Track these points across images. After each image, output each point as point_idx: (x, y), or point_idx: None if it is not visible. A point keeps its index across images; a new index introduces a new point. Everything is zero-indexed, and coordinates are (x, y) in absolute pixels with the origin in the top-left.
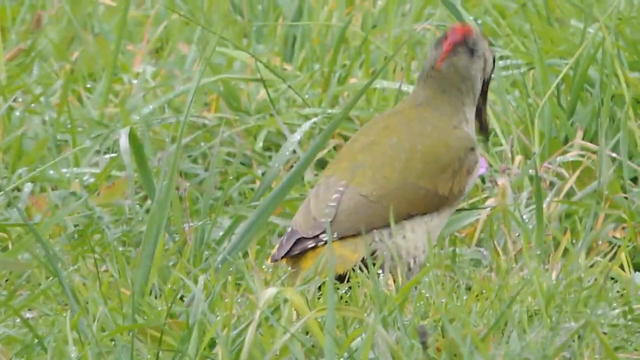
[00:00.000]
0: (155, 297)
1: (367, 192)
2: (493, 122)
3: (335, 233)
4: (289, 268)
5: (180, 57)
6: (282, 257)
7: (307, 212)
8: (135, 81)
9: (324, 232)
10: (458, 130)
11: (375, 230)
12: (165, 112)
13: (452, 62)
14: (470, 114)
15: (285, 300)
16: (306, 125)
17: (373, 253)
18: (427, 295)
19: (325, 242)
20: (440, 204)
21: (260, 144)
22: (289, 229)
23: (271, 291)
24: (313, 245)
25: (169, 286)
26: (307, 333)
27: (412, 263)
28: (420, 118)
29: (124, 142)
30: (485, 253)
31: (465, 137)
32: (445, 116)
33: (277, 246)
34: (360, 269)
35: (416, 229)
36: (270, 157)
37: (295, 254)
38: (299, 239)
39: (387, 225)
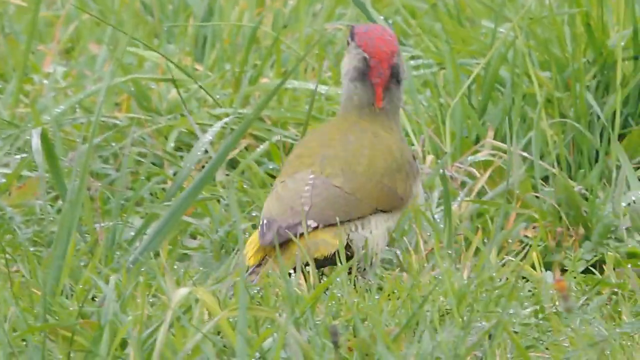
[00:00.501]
0: (67, 298)
1: (340, 183)
2: (404, 122)
3: (312, 221)
4: (266, 258)
5: (91, 57)
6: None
7: (280, 203)
8: (45, 81)
9: (302, 220)
10: (403, 142)
11: (350, 222)
12: (76, 112)
13: (389, 99)
14: (400, 128)
15: (197, 301)
16: (217, 126)
17: (348, 245)
18: (339, 295)
19: (311, 230)
20: (398, 204)
21: (172, 144)
22: (264, 220)
23: (183, 291)
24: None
25: (81, 286)
26: (219, 333)
27: (373, 259)
28: (369, 127)
29: (35, 142)
30: (397, 253)
31: (409, 148)
32: (390, 130)
33: (257, 235)
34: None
35: (378, 226)
36: (181, 157)
37: (274, 242)
38: (280, 227)
39: (360, 218)
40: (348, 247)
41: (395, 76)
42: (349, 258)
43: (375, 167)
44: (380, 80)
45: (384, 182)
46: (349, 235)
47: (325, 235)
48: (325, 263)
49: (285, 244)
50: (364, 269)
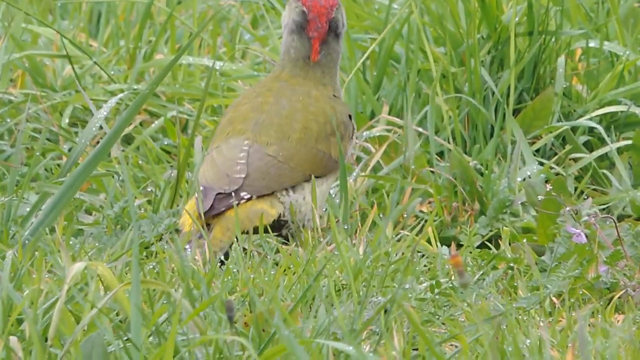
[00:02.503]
0: None
1: (273, 152)
2: None
3: (246, 193)
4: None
5: None
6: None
7: (216, 170)
8: None
9: (240, 188)
10: (337, 99)
11: (283, 190)
12: None
13: (326, 52)
14: (338, 81)
15: (94, 276)
16: (112, 101)
17: (281, 213)
18: (235, 270)
19: (248, 199)
20: (332, 168)
21: (67, 120)
22: (200, 187)
23: (79, 265)
24: (235, 202)
25: None
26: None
27: (305, 223)
28: (302, 85)
29: None
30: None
31: (344, 105)
32: (322, 86)
33: (194, 201)
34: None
35: (307, 192)
36: (76, 134)
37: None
38: (217, 194)
39: (293, 186)
40: (282, 215)
41: (333, 30)
42: (284, 224)
43: (310, 133)
44: (317, 34)
45: (318, 147)
46: (283, 203)
47: (262, 205)
48: (265, 231)
49: (223, 212)
50: (295, 231)
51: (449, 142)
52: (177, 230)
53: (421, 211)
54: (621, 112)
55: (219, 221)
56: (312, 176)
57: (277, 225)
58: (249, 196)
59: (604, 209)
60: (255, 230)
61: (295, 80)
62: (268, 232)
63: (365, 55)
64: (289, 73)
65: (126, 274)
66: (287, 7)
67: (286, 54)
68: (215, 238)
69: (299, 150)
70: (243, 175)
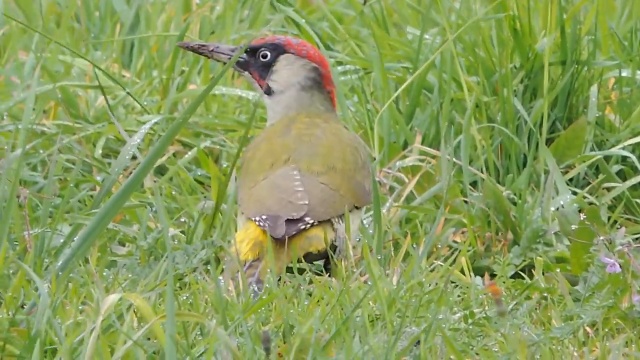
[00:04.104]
0: None
1: (325, 180)
2: None
3: (309, 218)
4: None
5: (18, 64)
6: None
7: (278, 197)
8: None
9: (305, 214)
10: (348, 130)
11: (337, 217)
12: (4, 120)
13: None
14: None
15: (129, 307)
16: (146, 126)
17: (333, 239)
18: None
19: (311, 224)
20: (366, 200)
21: (100, 151)
22: (262, 216)
23: (114, 297)
24: (303, 226)
25: (10, 294)
26: (149, 339)
27: (350, 252)
28: (319, 119)
29: None
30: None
31: (363, 142)
32: (329, 119)
33: (251, 231)
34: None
35: (354, 222)
36: (109, 164)
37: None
38: (287, 220)
39: (342, 214)
40: (334, 241)
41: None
42: (334, 250)
43: (349, 163)
44: (334, 88)
45: (356, 178)
46: (336, 230)
47: (316, 231)
48: (315, 258)
49: (281, 239)
50: (343, 257)
51: (482, 172)
52: (217, 261)
53: (454, 241)
54: None
55: (279, 248)
56: (346, 207)
57: (325, 253)
58: (312, 221)
59: (637, 239)
60: (313, 258)
61: (308, 116)
62: (311, 262)
63: (402, 87)
64: (305, 113)
65: (159, 305)
66: (287, 66)
67: (297, 108)
68: (265, 268)
69: (343, 180)
70: (306, 202)
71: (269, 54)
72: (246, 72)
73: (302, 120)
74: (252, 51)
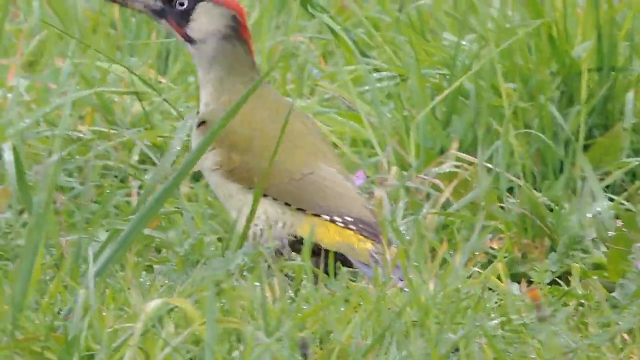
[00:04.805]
0: (32, 311)
1: (351, 182)
2: (369, 134)
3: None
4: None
5: (55, 70)
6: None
7: (361, 203)
8: (9, 95)
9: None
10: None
11: None
12: (41, 126)
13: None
14: None
15: (169, 312)
16: (182, 133)
17: None
18: (304, 307)
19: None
20: None
21: (136, 157)
22: (364, 219)
23: (156, 302)
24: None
25: (47, 300)
26: (196, 344)
27: None
28: (272, 100)
29: (7, 155)
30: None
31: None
32: (265, 90)
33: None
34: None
35: None
36: (145, 170)
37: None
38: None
39: None
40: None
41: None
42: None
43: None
44: (250, 36)
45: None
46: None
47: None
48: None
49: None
50: None
51: (519, 178)
52: (252, 268)
53: (491, 247)
54: None
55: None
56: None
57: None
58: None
59: None
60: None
61: (261, 95)
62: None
63: (440, 97)
64: (242, 87)
65: (196, 311)
66: (206, 14)
67: (217, 63)
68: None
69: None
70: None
71: (185, 1)
72: (163, 21)
73: (271, 106)
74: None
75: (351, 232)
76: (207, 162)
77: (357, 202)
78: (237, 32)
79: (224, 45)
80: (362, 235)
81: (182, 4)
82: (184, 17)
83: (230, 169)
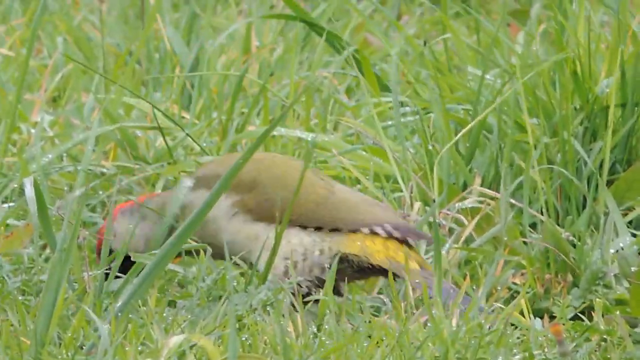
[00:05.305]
0: (54, 346)
1: None
2: (394, 169)
3: None
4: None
5: (78, 105)
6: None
7: (389, 210)
8: (33, 130)
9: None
10: None
11: None
12: (64, 161)
13: None
14: None
15: (192, 347)
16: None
17: None
18: (327, 342)
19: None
20: None
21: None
22: (400, 225)
23: (177, 338)
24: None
25: (70, 334)
26: None
27: None
28: None
29: (29, 191)
30: (385, 300)
31: None
32: None
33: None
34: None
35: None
36: None
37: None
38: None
39: None
40: None
41: None
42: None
43: None
44: None
45: None
46: None
47: None
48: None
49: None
50: None
51: (541, 214)
52: (272, 304)
53: (514, 283)
54: None
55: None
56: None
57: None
58: None
59: None
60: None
61: None
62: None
63: (463, 132)
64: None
65: (219, 346)
66: None
67: None
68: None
69: None
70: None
71: None
72: None
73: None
74: None
75: (396, 246)
76: (222, 208)
77: (387, 210)
78: None
79: None
80: (406, 241)
81: None
82: None
83: (249, 209)
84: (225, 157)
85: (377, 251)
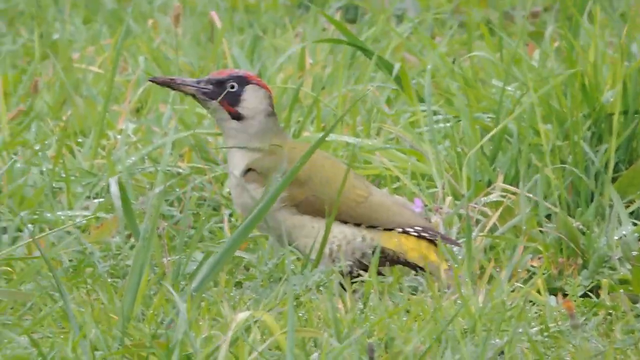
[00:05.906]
0: (139, 321)
1: None
2: (432, 169)
3: None
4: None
5: (158, 115)
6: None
7: (416, 214)
8: (119, 136)
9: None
10: None
11: None
12: (145, 163)
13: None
14: None
15: (256, 322)
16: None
17: None
18: (372, 317)
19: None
20: None
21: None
22: (427, 227)
23: (243, 314)
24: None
25: (151, 311)
26: (279, 349)
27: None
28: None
29: (114, 188)
30: (421, 280)
31: None
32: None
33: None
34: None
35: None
36: None
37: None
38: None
39: None
40: None
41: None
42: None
43: None
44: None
45: None
46: None
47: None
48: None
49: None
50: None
51: (555, 206)
52: (327, 284)
53: (532, 265)
54: None
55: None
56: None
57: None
58: None
59: None
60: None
61: (290, 145)
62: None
63: (487, 137)
64: (277, 140)
65: (279, 321)
66: (254, 95)
67: (266, 134)
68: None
69: None
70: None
71: (236, 85)
72: (213, 102)
73: (299, 148)
74: (219, 83)
75: (426, 244)
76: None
77: (414, 213)
78: (273, 108)
79: (267, 120)
80: (434, 241)
81: (233, 87)
82: (235, 98)
83: (296, 203)
84: (298, 144)
85: (411, 249)
